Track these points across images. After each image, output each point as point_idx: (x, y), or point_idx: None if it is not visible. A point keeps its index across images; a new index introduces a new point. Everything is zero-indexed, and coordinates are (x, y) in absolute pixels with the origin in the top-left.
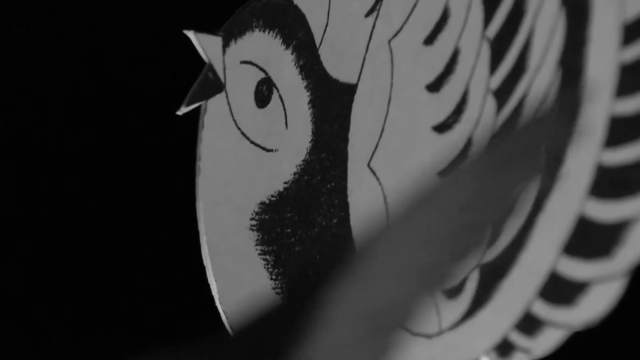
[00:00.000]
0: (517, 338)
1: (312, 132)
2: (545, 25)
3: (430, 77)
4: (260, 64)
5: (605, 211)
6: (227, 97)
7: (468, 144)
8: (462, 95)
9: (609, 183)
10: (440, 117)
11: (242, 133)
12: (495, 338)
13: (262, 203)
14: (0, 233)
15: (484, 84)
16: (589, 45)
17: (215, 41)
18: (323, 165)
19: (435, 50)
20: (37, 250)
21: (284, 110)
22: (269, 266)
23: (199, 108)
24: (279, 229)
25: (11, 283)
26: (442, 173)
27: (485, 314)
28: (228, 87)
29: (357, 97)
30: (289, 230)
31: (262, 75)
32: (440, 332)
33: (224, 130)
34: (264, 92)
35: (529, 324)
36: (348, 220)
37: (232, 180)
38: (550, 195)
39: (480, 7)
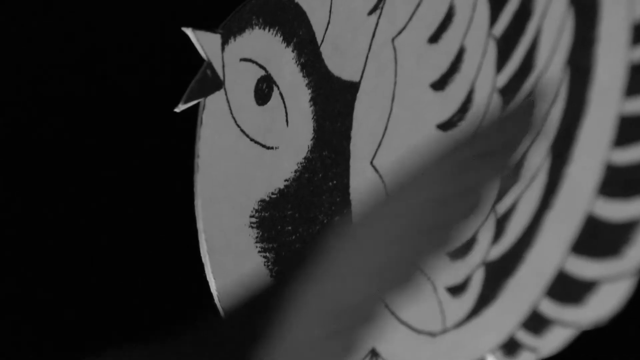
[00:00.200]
0: (524, 337)
1: (314, 129)
2: (553, 24)
3: (435, 75)
4: (260, 62)
5: (615, 210)
6: (226, 94)
7: None
8: (467, 94)
9: (618, 182)
10: (445, 115)
11: (242, 130)
12: (501, 337)
13: (262, 201)
14: None
15: (490, 83)
16: (598, 44)
17: (214, 38)
18: (325, 163)
19: (440, 48)
20: (36, 249)
21: (285, 108)
22: (269, 264)
23: (197, 105)
24: (279, 227)
25: (10, 280)
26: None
27: (491, 313)
28: (227, 84)
29: (360, 95)
30: (290, 227)
31: (262, 72)
32: (444, 331)
33: (223, 127)
34: (264, 89)
35: (536, 323)
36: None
37: (231, 178)
38: (558, 193)
39: (487, 5)
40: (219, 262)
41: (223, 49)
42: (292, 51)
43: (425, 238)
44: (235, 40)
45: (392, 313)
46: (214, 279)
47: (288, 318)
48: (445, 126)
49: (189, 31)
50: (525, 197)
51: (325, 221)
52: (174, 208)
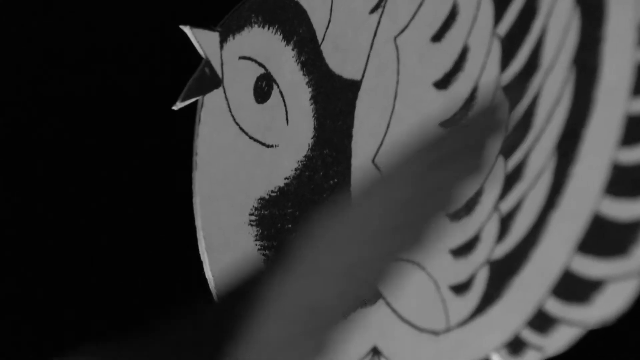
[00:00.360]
0: (529, 335)
1: (314, 128)
2: (558, 23)
3: (438, 74)
4: (259, 60)
5: (622, 210)
6: (224, 92)
7: None
8: (471, 92)
9: (625, 182)
10: (448, 113)
11: (241, 128)
12: (506, 335)
13: (262, 199)
14: None
15: (495, 81)
16: (604, 44)
17: (212, 37)
18: (325, 161)
19: (443, 47)
20: (37, 248)
21: (285, 106)
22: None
23: (195, 103)
24: (279, 225)
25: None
26: None
27: (495, 311)
28: (226, 82)
29: (362, 93)
30: (290, 226)
31: (262, 71)
32: (448, 329)
33: (221, 125)
34: (264, 87)
35: (542, 322)
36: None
37: (230, 176)
38: (563, 193)
39: (491, 4)
40: (217, 259)
41: (222, 47)
42: (292, 49)
43: (396, 237)
44: (234, 38)
45: (394, 311)
46: (213, 276)
47: (261, 316)
48: (448, 124)
49: (187, 29)
50: (531, 196)
51: None
52: (173, 206)
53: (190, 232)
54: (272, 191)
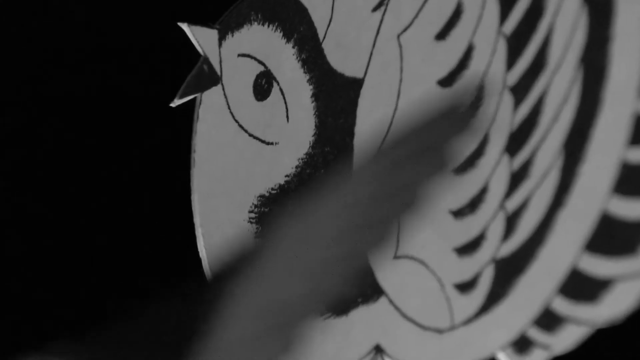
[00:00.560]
0: (536, 334)
1: (316, 125)
2: (565, 22)
3: (443, 72)
4: (259, 57)
5: (630, 209)
6: (223, 89)
7: (484, 139)
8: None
9: (634, 181)
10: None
11: (240, 126)
12: (512, 334)
13: (262, 196)
14: None
15: (501, 80)
16: (612, 43)
17: (211, 34)
18: (327, 159)
19: (448, 45)
20: (37, 247)
21: (285, 103)
22: None
23: (193, 100)
24: None
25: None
26: (457, 169)
27: (501, 310)
28: (225, 79)
29: (364, 91)
30: None
31: (261, 68)
32: (452, 327)
33: (220, 122)
34: (264, 85)
35: (549, 320)
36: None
37: (229, 173)
38: (571, 191)
39: (496, 3)
40: (216, 257)
41: (220, 45)
42: (293, 47)
43: (362, 235)
44: (233, 35)
45: (397, 309)
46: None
47: (224, 314)
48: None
49: (185, 26)
50: (537, 194)
51: None
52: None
53: (189, 229)
54: (272, 188)
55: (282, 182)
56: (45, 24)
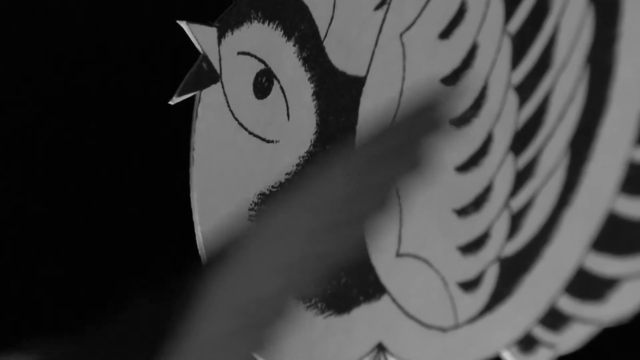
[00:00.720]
0: (541, 333)
1: (317, 124)
2: (571, 21)
3: (446, 70)
4: (259, 55)
5: (637, 208)
6: (223, 87)
7: (488, 138)
8: (480, 90)
9: None
10: (457, 111)
11: (240, 124)
12: (516, 333)
13: (262, 194)
14: None
15: (505, 79)
16: (619, 42)
17: (210, 32)
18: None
19: (452, 44)
20: (37, 247)
21: (286, 101)
22: None
23: (192, 99)
24: None
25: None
26: (460, 167)
27: (506, 309)
28: (224, 77)
29: (366, 89)
30: None
31: (262, 66)
32: (456, 326)
33: (219, 120)
34: (264, 83)
35: (555, 319)
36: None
37: (229, 171)
38: (577, 191)
39: (501, 2)
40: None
41: (220, 43)
42: (294, 45)
43: (334, 234)
44: (232, 33)
45: (400, 307)
46: None
47: (195, 313)
48: (457, 122)
49: (183, 24)
50: (543, 193)
51: None
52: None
53: (188, 227)
54: (273, 186)
55: (282, 180)
56: (45, 24)
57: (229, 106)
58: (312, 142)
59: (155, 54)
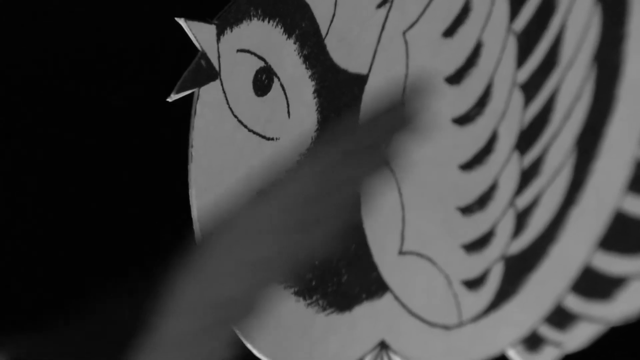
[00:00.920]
0: (548, 331)
1: (318, 121)
2: (578, 20)
3: (450, 69)
4: (258, 53)
5: None
6: (222, 85)
7: (493, 137)
8: (485, 88)
9: None
10: (461, 109)
11: (239, 121)
12: (522, 331)
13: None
14: None
15: (510, 78)
16: (627, 41)
17: (209, 29)
18: None
19: (456, 42)
20: (37, 247)
21: (286, 99)
22: None
23: (191, 96)
24: None
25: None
26: (464, 165)
27: (511, 307)
28: (223, 75)
29: (368, 87)
30: None
31: (261, 64)
32: (460, 324)
33: (218, 118)
34: (264, 80)
35: (561, 318)
36: (359, 211)
37: (228, 168)
38: (584, 189)
39: (506, 0)
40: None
41: (219, 40)
42: (294, 43)
43: (302, 232)
44: (232, 31)
45: (403, 305)
46: None
47: (163, 310)
48: (461, 120)
49: (182, 21)
50: (549, 192)
51: None
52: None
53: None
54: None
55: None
56: (45, 24)
57: (228, 103)
58: (313, 139)
59: (154, 51)
